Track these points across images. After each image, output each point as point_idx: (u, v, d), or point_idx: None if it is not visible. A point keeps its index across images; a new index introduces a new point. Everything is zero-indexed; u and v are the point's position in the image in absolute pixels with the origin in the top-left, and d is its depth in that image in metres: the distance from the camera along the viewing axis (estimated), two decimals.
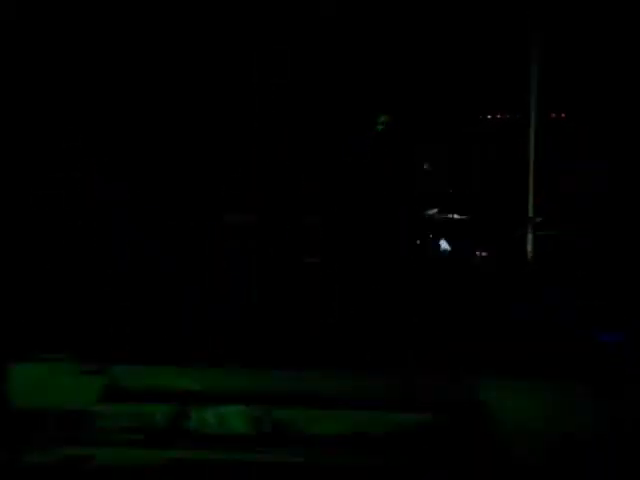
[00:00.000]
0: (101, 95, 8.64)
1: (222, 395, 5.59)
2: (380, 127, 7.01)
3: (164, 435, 5.40)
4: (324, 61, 8.82)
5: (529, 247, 8.89)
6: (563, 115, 8.61)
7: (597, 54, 8.51)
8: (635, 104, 8.20)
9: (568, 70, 8.67)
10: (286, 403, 5.38)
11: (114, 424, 5.45)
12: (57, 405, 5.61)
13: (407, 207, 6.91)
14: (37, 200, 7.04)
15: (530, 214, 9.09)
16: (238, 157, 8.77)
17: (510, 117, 9.25)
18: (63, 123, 8.20)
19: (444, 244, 8.05)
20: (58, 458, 5.17)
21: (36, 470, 5.14)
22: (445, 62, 9.03)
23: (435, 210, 8.03)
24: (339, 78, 8.82)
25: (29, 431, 5.41)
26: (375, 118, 6.98)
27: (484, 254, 8.30)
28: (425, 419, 5.11)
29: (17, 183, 7.34)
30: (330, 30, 8.79)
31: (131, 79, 8.81)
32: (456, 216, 8.11)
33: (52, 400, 5.64)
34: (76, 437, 5.37)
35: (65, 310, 6.56)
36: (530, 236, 8.88)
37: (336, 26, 8.80)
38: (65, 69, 8.57)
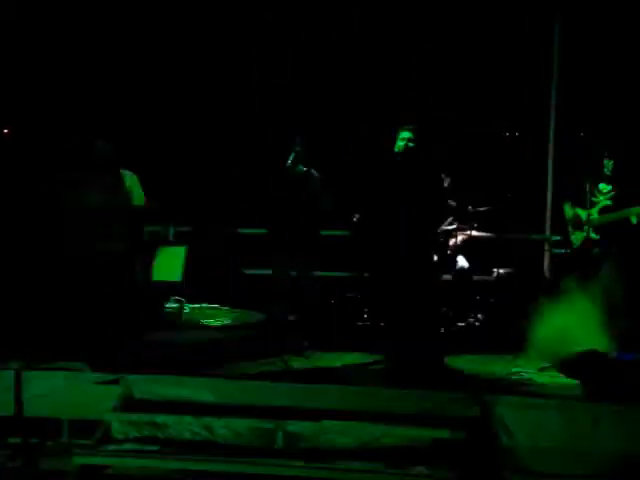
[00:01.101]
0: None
1: (237, 407, 5.58)
2: (402, 143, 6.95)
3: (178, 446, 5.39)
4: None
5: (546, 265, 8.90)
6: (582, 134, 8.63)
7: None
8: None
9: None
10: (298, 416, 5.37)
11: (128, 434, 5.45)
12: (72, 414, 5.64)
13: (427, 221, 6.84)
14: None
15: (547, 233, 9.11)
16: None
17: (529, 135, 9.27)
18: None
19: (462, 261, 8.04)
20: (72, 466, 5.19)
21: (51, 477, 5.17)
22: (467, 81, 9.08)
23: (454, 226, 8.02)
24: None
25: (44, 439, 5.42)
26: (397, 132, 6.89)
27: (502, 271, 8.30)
28: (441, 434, 5.10)
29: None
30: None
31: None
32: (474, 232, 8.09)
33: (67, 409, 5.66)
34: (90, 446, 5.37)
35: (79, 318, 6.57)
36: (547, 254, 8.90)
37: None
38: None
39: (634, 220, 7.03)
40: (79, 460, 5.25)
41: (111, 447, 5.38)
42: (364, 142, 8.83)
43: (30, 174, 7.47)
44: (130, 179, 7.48)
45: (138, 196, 7.50)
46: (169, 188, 8.70)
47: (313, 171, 7.37)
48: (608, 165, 7.37)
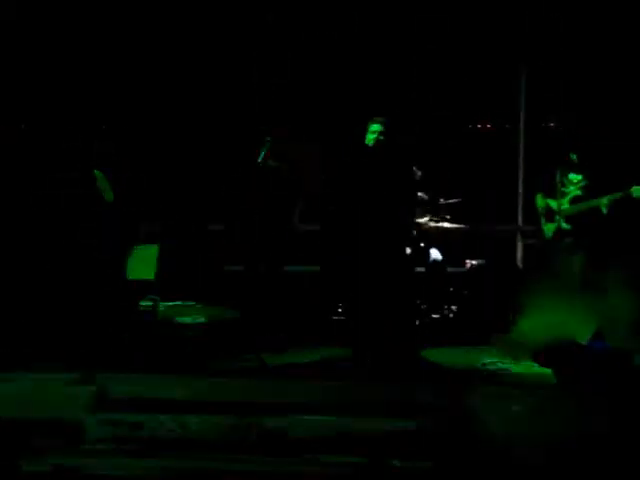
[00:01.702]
0: (100, 95, 8.67)
1: (211, 404, 5.59)
2: (372, 136, 6.97)
3: (153, 444, 5.39)
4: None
5: (519, 256, 8.96)
6: (552, 124, 8.68)
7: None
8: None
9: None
10: (272, 412, 5.39)
11: (103, 433, 5.44)
12: (47, 414, 5.62)
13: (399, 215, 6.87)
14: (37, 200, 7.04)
15: (520, 223, 9.16)
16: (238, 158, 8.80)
17: (500, 127, 9.31)
18: (63, 123, 8.22)
19: (435, 253, 8.07)
20: (46, 468, 5.17)
21: (26, 479, 5.15)
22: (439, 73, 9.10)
23: (426, 218, 8.05)
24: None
25: (18, 440, 5.40)
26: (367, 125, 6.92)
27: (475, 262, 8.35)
28: (414, 424, 5.13)
29: (17, 183, 7.35)
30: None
31: (130, 79, 8.84)
32: (447, 225, 8.13)
33: (41, 409, 5.64)
34: (64, 447, 5.36)
35: (54, 317, 6.56)
36: (520, 245, 8.96)
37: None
38: (65, 69, 8.60)
39: (604, 210, 7.08)
40: (53, 461, 5.24)
41: (86, 447, 5.38)
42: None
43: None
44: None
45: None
46: (146, 185, 8.69)
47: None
48: (573, 157, 7.45)
